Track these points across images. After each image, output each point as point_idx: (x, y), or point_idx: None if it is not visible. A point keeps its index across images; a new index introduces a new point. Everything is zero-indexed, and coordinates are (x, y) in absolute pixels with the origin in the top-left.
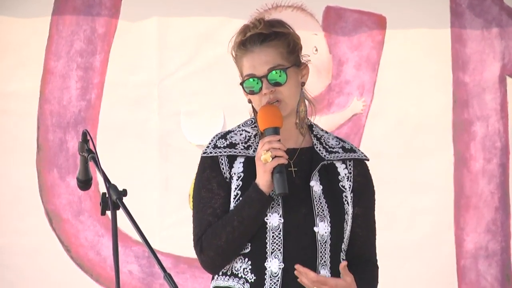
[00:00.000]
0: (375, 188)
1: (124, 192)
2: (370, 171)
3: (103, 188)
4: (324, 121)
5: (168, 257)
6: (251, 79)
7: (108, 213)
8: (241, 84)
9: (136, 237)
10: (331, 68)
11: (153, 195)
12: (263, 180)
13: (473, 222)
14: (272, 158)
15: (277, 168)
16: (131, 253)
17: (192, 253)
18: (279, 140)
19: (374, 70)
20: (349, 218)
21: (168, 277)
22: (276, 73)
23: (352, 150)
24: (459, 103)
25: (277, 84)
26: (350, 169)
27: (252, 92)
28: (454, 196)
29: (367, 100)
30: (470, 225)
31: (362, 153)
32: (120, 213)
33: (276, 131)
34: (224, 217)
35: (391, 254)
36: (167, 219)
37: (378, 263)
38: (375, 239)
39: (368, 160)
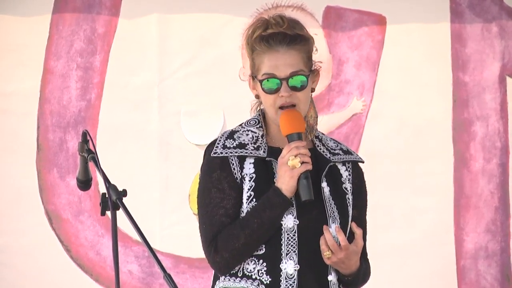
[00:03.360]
0: (374, 188)
1: (124, 192)
2: (370, 171)
3: (103, 188)
4: (324, 121)
5: (168, 257)
6: (271, 79)
7: (108, 213)
8: (260, 81)
9: (136, 237)
10: (331, 67)
11: (153, 195)
12: (288, 185)
13: (473, 222)
14: (301, 164)
15: (304, 174)
16: (131, 253)
17: (192, 253)
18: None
19: (374, 70)
20: (350, 220)
21: (168, 277)
22: (298, 78)
23: (349, 152)
24: (459, 103)
25: (296, 89)
26: (349, 171)
27: (269, 92)
28: (454, 196)
29: (367, 99)
30: (470, 225)
31: (357, 155)
32: (120, 213)
33: (300, 136)
34: (240, 219)
35: (391, 254)
36: (167, 219)
37: (379, 262)
38: (365, 239)
39: (363, 162)
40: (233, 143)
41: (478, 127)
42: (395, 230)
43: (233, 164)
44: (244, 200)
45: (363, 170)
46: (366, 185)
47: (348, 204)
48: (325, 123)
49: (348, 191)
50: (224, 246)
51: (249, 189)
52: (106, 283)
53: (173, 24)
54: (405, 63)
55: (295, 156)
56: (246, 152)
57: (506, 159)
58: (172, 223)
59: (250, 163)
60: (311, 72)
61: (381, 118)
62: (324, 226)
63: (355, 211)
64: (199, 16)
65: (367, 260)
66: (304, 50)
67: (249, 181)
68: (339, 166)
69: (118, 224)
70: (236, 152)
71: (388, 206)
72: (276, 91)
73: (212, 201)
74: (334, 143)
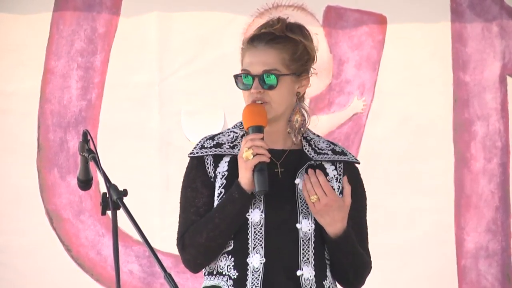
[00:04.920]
0: (375, 188)
1: (125, 192)
2: (371, 171)
3: (103, 188)
4: (325, 121)
5: (168, 256)
6: (246, 75)
7: (109, 212)
8: (236, 77)
9: (137, 236)
10: (332, 67)
11: (153, 195)
12: (244, 178)
13: (474, 221)
14: (254, 156)
15: (258, 166)
16: (131, 252)
17: None
18: (262, 139)
19: (374, 70)
20: None
21: (169, 276)
22: (269, 76)
23: (343, 153)
24: (460, 102)
25: (267, 87)
26: (339, 171)
27: (242, 88)
28: (455, 195)
29: (367, 99)
30: (470, 225)
31: (353, 156)
32: (121, 212)
33: (259, 129)
34: (206, 215)
35: (391, 254)
36: (167, 219)
37: (379, 262)
38: (367, 242)
39: (359, 163)
40: (210, 143)
41: (478, 127)
42: (395, 230)
43: (207, 164)
44: (215, 198)
45: (364, 170)
46: (366, 185)
47: None
48: (326, 123)
49: (334, 190)
50: (190, 243)
51: (219, 187)
52: (106, 283)
53: (173, 23)
54: (405, 63)
55: (249, 148)
56: (221, 151)
57: (507, 158)
58: (173, 222)
59: (225, 161)
60: (294, 74)
61: (381, 118)
62: (310, 170)
63: (351, 211)
64: (199, 15)
65: (369, 259)
66: (287, 51)
67: (221, 178)
68: (327, 165)
69: (119, 223)
70: (211, 152)
71: (388, 205)
72: (249, 88)
73: (186, 200)
74: (326, 144)
